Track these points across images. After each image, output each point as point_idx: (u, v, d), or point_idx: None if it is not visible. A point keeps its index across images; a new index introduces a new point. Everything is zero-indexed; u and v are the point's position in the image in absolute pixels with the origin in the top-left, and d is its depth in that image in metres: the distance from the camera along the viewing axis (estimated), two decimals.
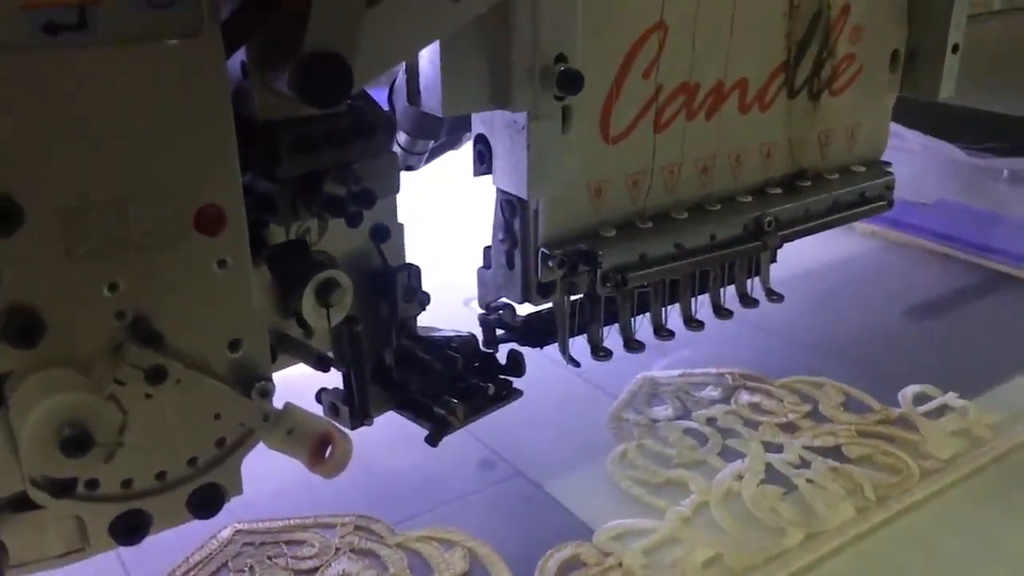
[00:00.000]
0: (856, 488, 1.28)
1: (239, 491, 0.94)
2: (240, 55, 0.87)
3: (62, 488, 0.81)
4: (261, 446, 0.94)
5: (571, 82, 1.02)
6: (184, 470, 0.89)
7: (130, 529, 0.87)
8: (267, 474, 1.32)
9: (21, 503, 0.84)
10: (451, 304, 1.56)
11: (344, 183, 0.94)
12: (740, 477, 1.30)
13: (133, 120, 0.75)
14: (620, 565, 1.13)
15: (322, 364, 1.03)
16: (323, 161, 0.91)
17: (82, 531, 0.87)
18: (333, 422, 0.96)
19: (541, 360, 1.57)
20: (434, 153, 1.71)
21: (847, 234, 2.26)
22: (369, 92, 1.32)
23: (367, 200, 0.96)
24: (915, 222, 2.25)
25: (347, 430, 1.16)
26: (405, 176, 1.47)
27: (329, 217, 0.96)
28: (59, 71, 0.71)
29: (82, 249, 0.76)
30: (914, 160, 2.55)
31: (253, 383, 0.88)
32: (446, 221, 2.09)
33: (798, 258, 2.03)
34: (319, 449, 0.93)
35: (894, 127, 2.61)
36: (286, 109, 0.88)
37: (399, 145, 1.41)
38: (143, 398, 0.83)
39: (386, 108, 1.33)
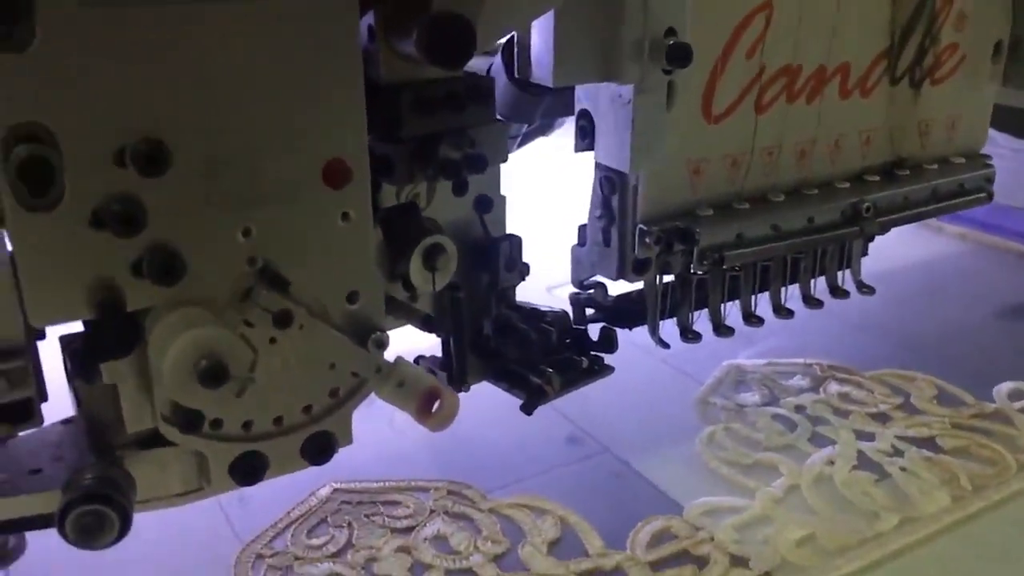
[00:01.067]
0: (952, 478, 1.26)
1: (349, 441, 0.98)
2: (367, 19, 0.91)
3: (190, 424, 0.85)
4: (359, 415, 0.98)
5: (680, 55, 1.03)
6: (300, 417, 0.93)
7: (249, 470, 0.91)
8: (362, 441, 1.36)
9: (147, 441, 0.89)
10: (534, 291, 1.58)
11: (459, 147, 0.97)
12: (831, 462, 1.29)
13: (270, 74, 0.79)
14: (712, 539, 1.13)
15: (428, 325, 1.06)
16: (441, 123, 0.94)
17: (202, 470, 0.91)
18: (439, 380, 0.98)
19: (626, 345, 1.58)
20: (526, 138, 1.74)
21: (937, 235, 2.23)
22: None
23: (480, 164, 0.99)
24: (1007, 225, 2.20)
25: None
26: None
27: (442, 179, 0.99)
28: (206, 25, 0.75)
29: (220, 195, 0.80)
30: (1006, 163, 2.49)
31: (368, 334, 0.91)
32: (528, 207, 2.12)
33: (887, 256, 2.01)
34: (427, 403, 0.95)
35: (990, 133, 2.57)
36: (408, 72, 0.92)
37: None
38: (267, 343, 0.87)
39: None
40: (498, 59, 1.25)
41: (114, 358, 0.81)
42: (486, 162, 0.99)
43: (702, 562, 1.10)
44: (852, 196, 1.33)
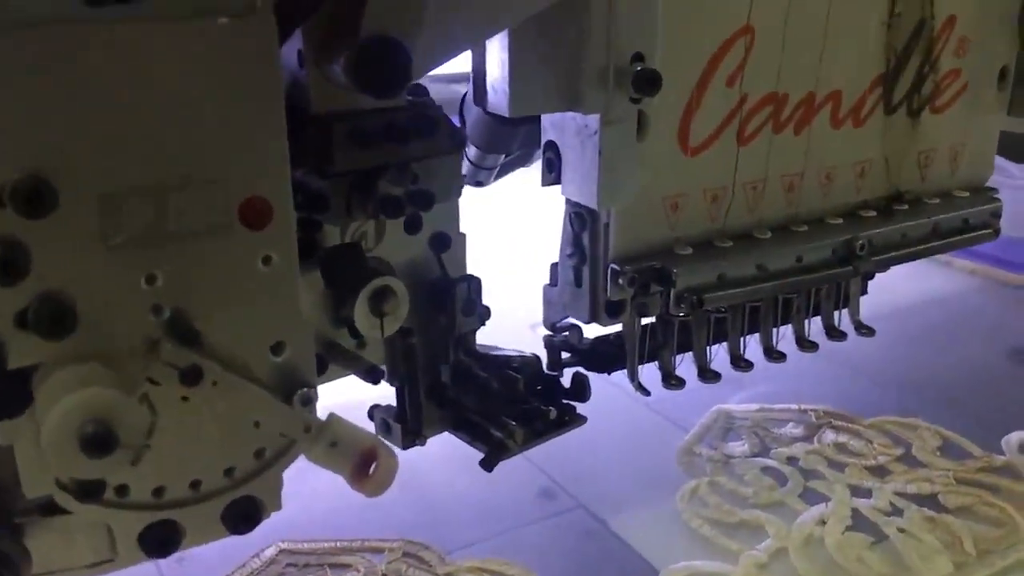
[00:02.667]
0: (954, 541, 1.15)
1: (277, 507, 0.89)
2: (296, 44, 0.83)
3: (89, 492, 0.76)
4: (312, 465, 0.89)
5: (648, 83, 0.95)
6: (220, 481, 0.84)
7: (161, 541, 0.82)
8: (318, 494, 1.27)
9: (50, 508, 0.80)
10: (517, 329, 1.49)
11: (401, 182, 0.88)
12: (823, 522, 1.19)
13: (178, 102, 0.71)
14: None
15: (373, 376, 0.97)
16: (379, 157, 0.86)
17: (112, 540, 0.82)
18: (380, 438, 0.89)
19: (608, 388, 1.48)
20: (504, 169, 1.66)
21: (945, 271, 2.12)
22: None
23: (425, 201, 0.90)
24: (1020, 260, 2.09)
25: (398, 449, 1.10)
26: (474, 192, 1.43)
27: (384, 218, 0.91)
28: (101, 46, 0.67)
29: (119, 237, 0.72)
30: (1018, 195, 2.39)
31: (296, 390, 0.82)
32: (514, 240, 2.03)
33: (891, 294, 1.91)
34: (363, 465, 0.86)
35: (998, 161, 2.48)
36: (342, 101, 0.84)
37: (468, 160, 1.36)
38: (179, 400, 0.78)
39: (457, 122, 1.29)
40: (472, 89, 1.18)
41: (1, 419, 0.72)
42: (432, 198, 0.90)
43: None
44: (845, 233, 1.23)
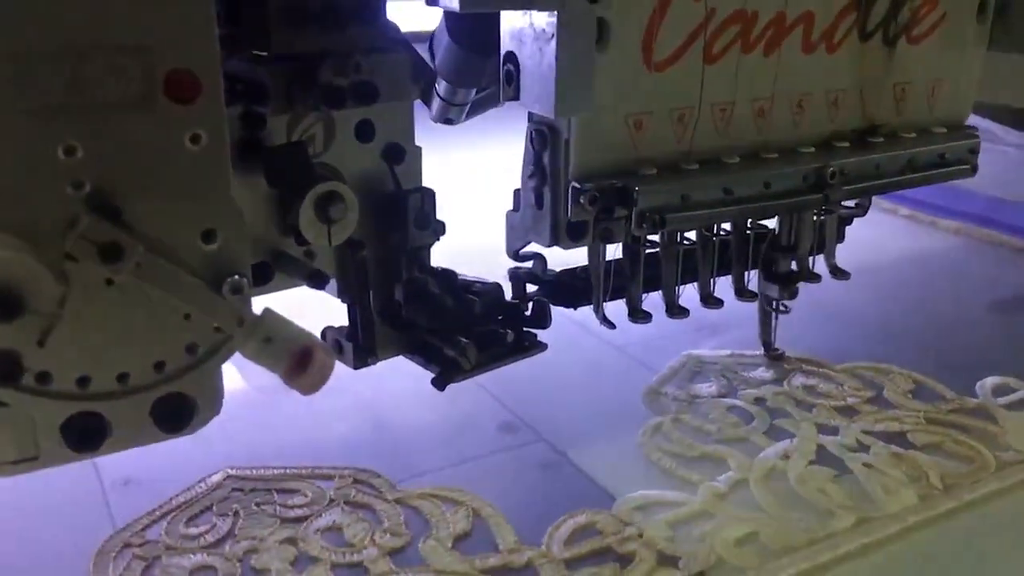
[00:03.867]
0: (921, 475, 1.12)
1: (213, 408, 0.85)
2: None
3: (5, 373, 0.73)
4: (277, 400, 0.86)
5: None
6: (149, 375, 0.80)
7: (84, 433, 0.78)
8: (275, 425, 1.24)
9: None
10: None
11: (343, 72, 0.85)
12: (787, 457, 1.16)
13: None
14: (640, 536, 1.00)
15: (316, 281, 0.94)
16: (317, 42, 0.82)
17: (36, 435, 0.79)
18: (316, 336, 0.86)
19: (577, 331, 1.46)
20: (476, 107, 1.62)
21: (929, 230, 2.09)
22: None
23: (369, 94, 0.87)
24: (1004, 220, 2.06)
25: (350, 369, 1.08)
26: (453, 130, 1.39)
27: (326, 109, 0.87)
28: None
29: (32, 102, 0.68)
30: (1007, 158, 2.37)
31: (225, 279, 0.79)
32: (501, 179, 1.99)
33: (875, 250, 1.89)
34: (300, 363, 0.83)
35: (988, 125, 2.45)
36: None
37: (439, 95, 1.33)
38: (103, 284, 0.75)
39: (427, 58, 1.25)
40: (442, 21, 1.14)
41: None
42: (376, 91, 0.87)
43: (625, 560, 0.97)
44: (816, 161, 1.20)
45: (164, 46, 0.72)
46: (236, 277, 0.79)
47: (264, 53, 0.81)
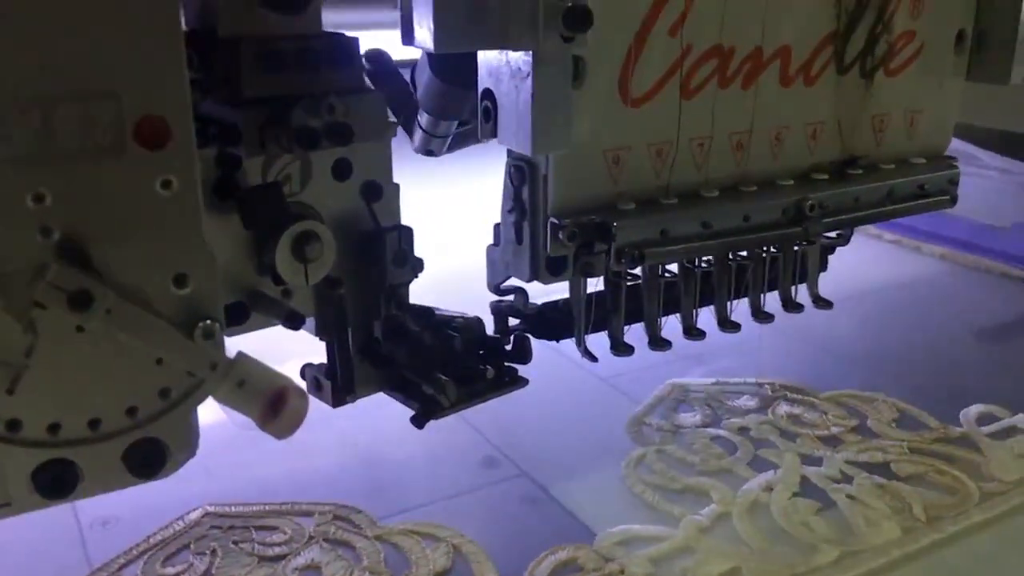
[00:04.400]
0: (904, 507, 1.12)
1: (187, 451, 0.85)
2: None
3: None
4: (257, 434, 0.85)
5: (579, 19, 0.92)
6: (121, 420, 0.80)
7: (55, 481, 0.78)
8: (255, 461, 1.23)
9: None
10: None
11: (317, 114, 0.85)
12: (770, 489, 1.15)
13: (62, 8, 0.68)
14: (622, 572, 0.99)
15: (293, 321, 0.94)
16: (290, 85, 0.83)
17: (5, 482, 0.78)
18: (290, 378, 0.86)
19: (561, 361, 1.45)
20: (459, 140, 1.63)
21: (914, 255, 2.10)
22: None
23: (343, 135, 0.87)
24: (989, 245, 2.07)
25: (329, 408, 1.07)
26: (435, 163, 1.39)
27: (299, 150, 0.87)
28: None
29: (2, 152, 0.68)
30: (990, 183, 2.38)
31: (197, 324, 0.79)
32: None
33: (859, 277, 1.89)
34: (274, 407, 0.83)
35: (972, 150, 2.46)
36: (252, 25, 0.81)
37: (421, 127, 1.33)
38: (73, 331, 0.75)
39: (411, 87, 1.26)
40: (423, 53, 1.15)
41: None
42: (351, 132, 0.87)
43: None
44: (795, 194, 1.20)
45: (134, 92, 0.72)
46: (208, 322, 0.78)
47: (237, 97, 0.81)
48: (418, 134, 1.32)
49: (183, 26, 0.74)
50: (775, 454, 1.24)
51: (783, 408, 1.36)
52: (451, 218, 1.92)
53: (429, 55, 1.15)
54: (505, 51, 0.98)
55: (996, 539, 1.08)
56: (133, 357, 0.78)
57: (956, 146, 1.89)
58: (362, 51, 1.15)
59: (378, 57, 1.22)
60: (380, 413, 1.16)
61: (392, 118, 1.17)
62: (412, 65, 1.26)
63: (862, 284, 1.89)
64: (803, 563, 1.01)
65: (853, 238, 1.42)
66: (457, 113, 1.33)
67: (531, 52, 0.95)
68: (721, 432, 1.30)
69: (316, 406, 1.08)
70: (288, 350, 1.03)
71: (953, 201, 1.36)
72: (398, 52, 1.24)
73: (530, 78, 0.97)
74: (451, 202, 2.17)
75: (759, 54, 1.16)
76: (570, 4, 0.92)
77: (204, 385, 0.82)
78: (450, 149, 1.50)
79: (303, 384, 1.06)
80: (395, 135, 1.19)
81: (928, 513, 1.11)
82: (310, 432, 1.29)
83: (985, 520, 1.10)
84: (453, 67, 1.14)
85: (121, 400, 0.79)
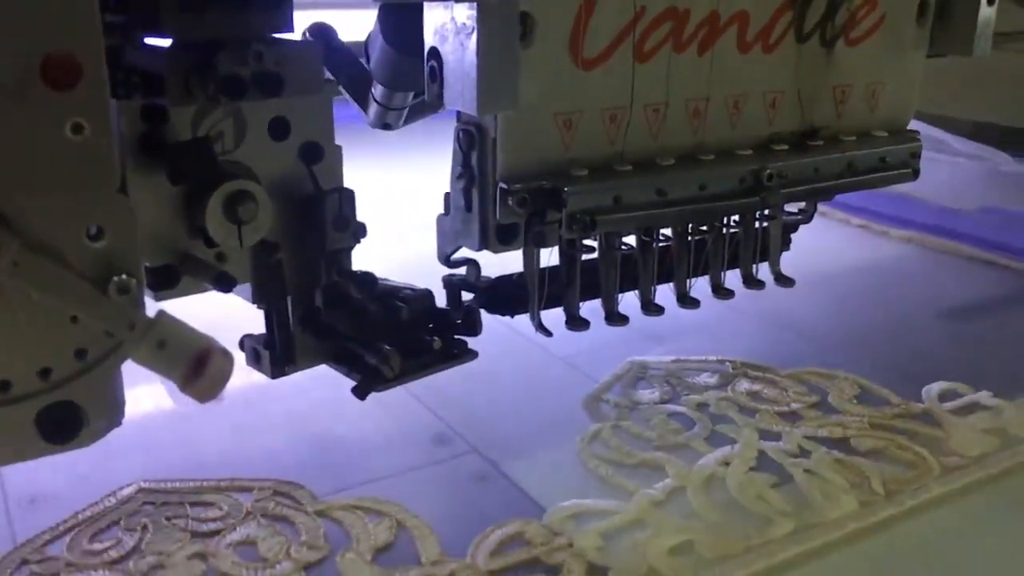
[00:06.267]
0: (863, 481, 1.09)
1: (108, 418, 0.81)
2: None
3: None
4: (203, 410, 0.82)
5: None
6: (34, 383, 0.76)
7: None
8: (198, 438, 1.19)
9: None
10: None
11: (243, 61, 0.81)
12: (726, 463, 1.12)
13: None
14: (570, 546, 0.96)
15: (223, 283, 0.90)
16: (214, 28, 0.78)
17: None
18: (214, 339, 0.81)
19: (519, 340, 1.42)
20: (414, 112, 1.59)
21: (879, 239, 2.08)
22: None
23: (273, 84, 0.83)
24: (956, 229, 2.06)
25: (268, 379, 1.03)
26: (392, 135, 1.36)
27: (227, 101, 0.83)
28: None
29: None
30: (958, 168, 2.37)
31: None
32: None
33: (826, 259, 1.87)
34: (197, 369, 0.79)
35: (941, 135, 2.45)
36: None
37: (376, 99, 1.29)
38: None
39: (365, 60, 1.22)
40: (376, 23, 1.11)
41: None
42: (280, 82, 0.83)
43: (553, 571, 0.93)
44: (753, 163, 1.17)
45: (40, 27, 0.68)
46: (124, 277, 0.74)
47: (158, 40, 0.77)
48: (373, 107, 1.29)
49: None
50: (733, 430, 1.21)
51: (743, 385, 1.34)
52: (412, 200, 1.88)
53: (381, 24, 1.11)
54: (451, 6, 0.95)
55: (955, 513, 1.06)
56: (45, 315, 0.74)
57: (926, 131, 1.88)
58: (306, 26, 1.12)
59: (322, 31, 1.19)
60: (327, 388, 1.12)
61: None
62: (366, 39, 1.22)
63: (829, 267, 1.87)
64: (757, 535, 0.98)
65: (821, 222, 1.40)
66: (412, 84, 1.29)
67: (475, 6, 0.92)
68: (679, 408, 1.27)
69: (264, 383, 1.05)
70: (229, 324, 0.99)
71: (915, 174, 1.34)
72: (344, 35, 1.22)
73: (475, 34, 0.93)
74: (413, 183, 2.14)
75: (715, 18, 1.13)
76: None
77: (122, 346, 0.78)
78: (406, 121, 1.46)
79: (242, 357, 1.02)
80: (337, 94, 1.15)
81: (887, 487, 1.08)
82: (254, 408, 1.27)
83: (944, 494, 1.07)
84: (404, 33, 1.10)
85: (33, 361, 0.75)
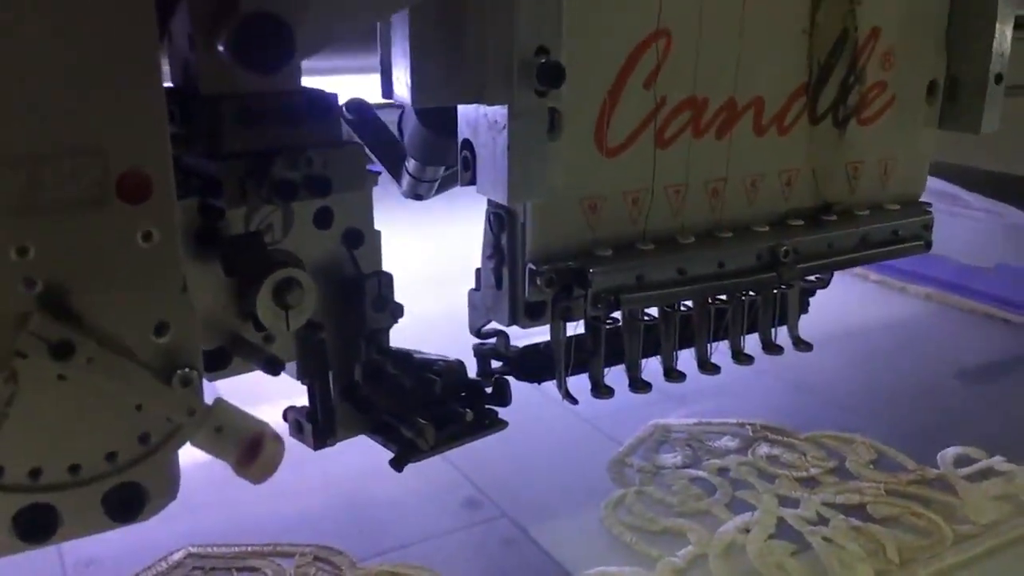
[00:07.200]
0: (878, 549, 1.13)
1: (166, 495, 0.87)
2: (188, 27, 0.83)
3: None
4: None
5: (552, 76, 0.95)
6: (101, 466, 0.82)
7: (35, 525, 0.80)
8: (238, 500, 1.25)
9: None
10: None
11: (295, 167, 0.88)
12: (747, 530, 1.17)
13: (49, 68, 0.71)
14: None
15: (272, 366, 0.96)
16: (269, 140, 0.86)
17: None
18: (267, 423, 0.88)
19: (545, 402, 1.47)
20: (445, 183, 1.67)
21: (899, 296, 2.12)
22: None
23: (322, 187, 0.90)
24: (974, 286, 2.09)
25: (312, 451, 1.09)
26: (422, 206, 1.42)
27: (280, 202, 0.90)
28: None
29: None
30: (974, 224, 2.41)
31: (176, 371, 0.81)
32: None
33: (844, 317, 1.91)
34: (251, 452, 0.85)
35: (957, 191, 2.50)
36: (232, 83, 0.84)
37: (408, 172, 1.37)
38: (55, 379, 0.77)
39: (397, 134, 1.29)
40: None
41: None
42: (328, 184, 0.90)
43: None
44: (770, 240, 1.23)
45: (118, 147, 0.75)
46: (187, 370, 0.81)
47: (218, 151, 0.84)
48: (406, 179, 1.36)
49: (166, 84, 0.77)
50: (753, 495, 1.25)
51: (763, 449, 1.38)
52: (439, 260, 1.95)
53: (382, 74, 1.17)
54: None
55: None
56: (113, 403, 0.80)
57: (941, 187, 1.93)
58: (343, 101, 1.19)
59: (359, 107, 1.26)
60: (363, 452, 1.18)
61: (374, 167, 1.21)
62: (400, 112, 1.29)
63: (847, 324, 1.91)
64: None
65: (839, 279, 1.44)
66: (443, 159, 1.37)
67: (506, 106, 0.98)
68: (701, 473, 1.31)
69: (301, 447, 1.11)
70: (273, 390, 1.05)
71: (927, 246, 1.39)
72: (378, 96, 1.28)
73: (506, 130, 1.00)
74: (438, 245, 2.21)
75: (733, 105, 1.19)
76: (543, 61, 0.95)
77: (182, 430, 0.84)
78: (437, 191, 1.53)
79: (285, 427, 1.08)
80: (376, 184, 1.22)
81: (902, 555, 1.12)
82: (294, 472, 1.32)
83: (958, 563, 1.11)
84: (438, 117, 1.17)
85: (101, 446, 0.81)
